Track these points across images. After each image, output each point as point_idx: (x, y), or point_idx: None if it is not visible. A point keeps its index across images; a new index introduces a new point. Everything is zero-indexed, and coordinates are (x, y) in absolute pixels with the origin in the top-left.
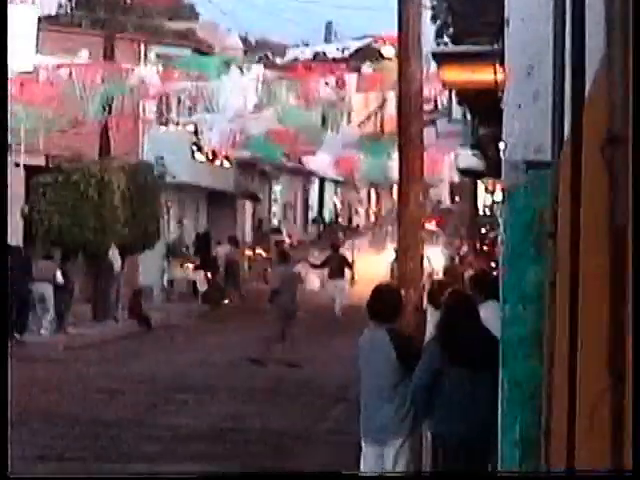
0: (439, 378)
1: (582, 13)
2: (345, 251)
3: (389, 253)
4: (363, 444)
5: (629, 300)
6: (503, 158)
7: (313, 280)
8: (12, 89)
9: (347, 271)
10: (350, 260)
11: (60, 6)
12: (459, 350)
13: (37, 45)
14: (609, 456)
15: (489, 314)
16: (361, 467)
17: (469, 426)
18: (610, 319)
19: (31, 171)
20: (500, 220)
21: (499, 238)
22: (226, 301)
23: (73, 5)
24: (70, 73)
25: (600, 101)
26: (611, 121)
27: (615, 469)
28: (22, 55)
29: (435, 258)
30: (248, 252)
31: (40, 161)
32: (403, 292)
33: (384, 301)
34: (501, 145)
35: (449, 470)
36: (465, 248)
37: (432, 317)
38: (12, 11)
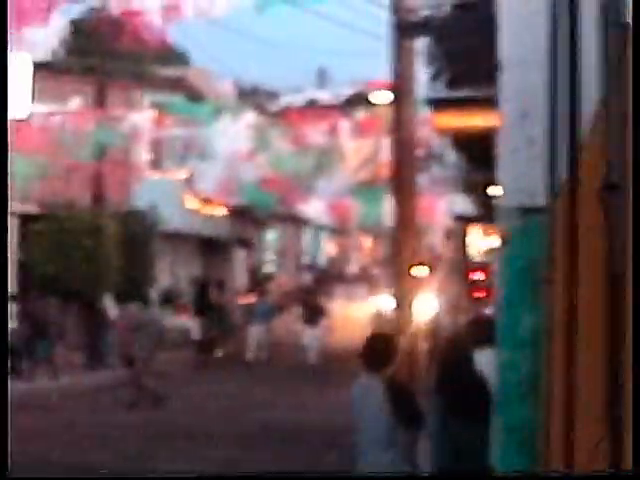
0: (441, 426)
1: (576, 59)
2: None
3: (381, 300)
4: None
5: (628, 346)
6: (497, 204)
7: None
8: None
9: (322, 318)
10: (326, 307)
11: (53, 53)
12: (456, 399)
13: (32, 92)
14: None
15: (486, 360)
16: None
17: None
18: (607, 367)
19: (24, 219)
20: (495, 266)
21: (493, 283)
22: (220, 351)
23: (65, 52)
24: (63, 120)
25: (596, 146)
26: (608, 167)
27: (615, 469)
28: (17, 102)
29: (429, 304)
30: (242, 299)
31: (33, 209)
32: (396, 339)
33: (378, 350)
34: (495, 191)
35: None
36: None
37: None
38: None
